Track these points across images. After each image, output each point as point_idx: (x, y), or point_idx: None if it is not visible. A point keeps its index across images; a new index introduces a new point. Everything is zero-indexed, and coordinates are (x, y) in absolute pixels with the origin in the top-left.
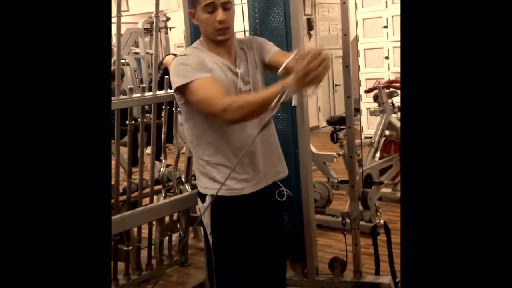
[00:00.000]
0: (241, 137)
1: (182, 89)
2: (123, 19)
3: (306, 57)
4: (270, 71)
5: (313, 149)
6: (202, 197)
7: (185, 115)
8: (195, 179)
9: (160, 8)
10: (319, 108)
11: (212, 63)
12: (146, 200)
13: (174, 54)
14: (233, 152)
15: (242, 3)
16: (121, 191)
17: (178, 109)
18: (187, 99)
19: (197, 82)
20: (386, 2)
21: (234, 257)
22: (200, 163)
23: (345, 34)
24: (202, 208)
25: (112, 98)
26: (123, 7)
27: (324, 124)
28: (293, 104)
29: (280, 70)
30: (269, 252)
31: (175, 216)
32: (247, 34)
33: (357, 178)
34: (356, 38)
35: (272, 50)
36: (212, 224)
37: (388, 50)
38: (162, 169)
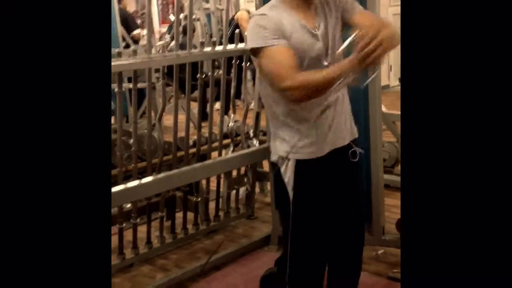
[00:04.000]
0: None
1: (255, 51)
2: None
3: (364, 39)
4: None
5: (383, 108)
6: (282, 159)
7: None
8: (263, 135)
9: None
10: (390, 67)
11: (290, 26)
12: (214, 154)
13: (247, 11)
14: (312, 108)
15: None
16: (191, 144)
17: (248, 63)
18: (258, 62)
19: (270, 50)
20: None
21: (313, 215)
22: (278, 124)
23: None
24: (281, 169)
25: (184, 52)
26: None
27: (395, 83)
28: (364, 85)
29: (338, 52)
30: (346, 212)
31: (242, 171)
32: None
33: None
34: None
35: (354, 9)
36: (295, 184)
37: None
38: (230, 123)
